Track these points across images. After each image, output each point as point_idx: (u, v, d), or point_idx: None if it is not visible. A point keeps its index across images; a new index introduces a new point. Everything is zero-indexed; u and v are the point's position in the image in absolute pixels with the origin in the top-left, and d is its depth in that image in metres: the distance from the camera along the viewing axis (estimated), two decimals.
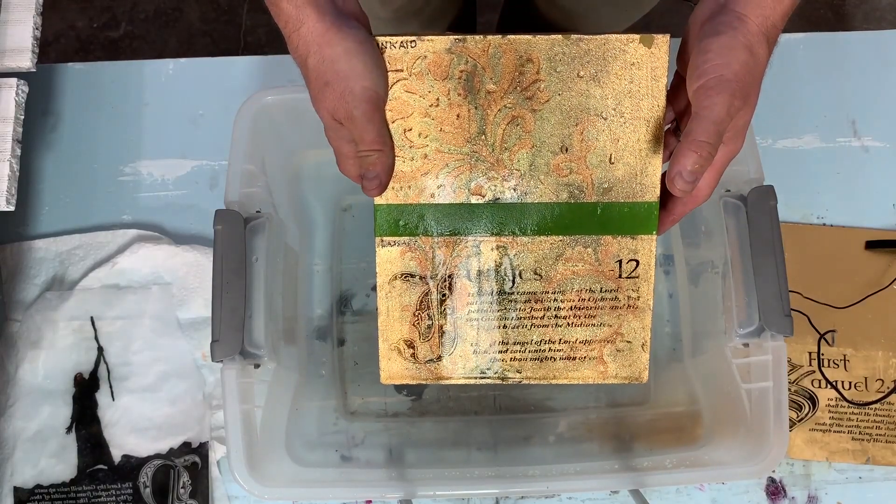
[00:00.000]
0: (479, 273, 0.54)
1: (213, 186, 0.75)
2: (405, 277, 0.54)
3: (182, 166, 0.76)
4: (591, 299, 0.54)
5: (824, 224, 0.74)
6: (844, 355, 0.71)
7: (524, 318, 0.54)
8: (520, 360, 0.55)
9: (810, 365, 0.70)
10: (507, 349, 0.54)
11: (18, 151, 0.68)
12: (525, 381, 0.55)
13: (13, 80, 0.68)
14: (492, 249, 0.53)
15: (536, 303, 0.54)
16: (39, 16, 0.71)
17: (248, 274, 0.57)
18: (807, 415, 0.70)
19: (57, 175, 0.76)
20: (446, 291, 0.54)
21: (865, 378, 0.70)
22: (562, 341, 0.54)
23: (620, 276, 0.54)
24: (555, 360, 0.55)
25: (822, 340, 0.70)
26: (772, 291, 0.56)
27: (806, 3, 1.55)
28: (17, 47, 0.69)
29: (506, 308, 0.54)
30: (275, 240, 0.61)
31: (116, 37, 1.52)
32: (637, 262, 0.54)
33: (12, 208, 0.67)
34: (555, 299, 0.54)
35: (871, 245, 0.72)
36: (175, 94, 0.78)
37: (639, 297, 0.54)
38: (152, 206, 0.75)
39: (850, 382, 0.70)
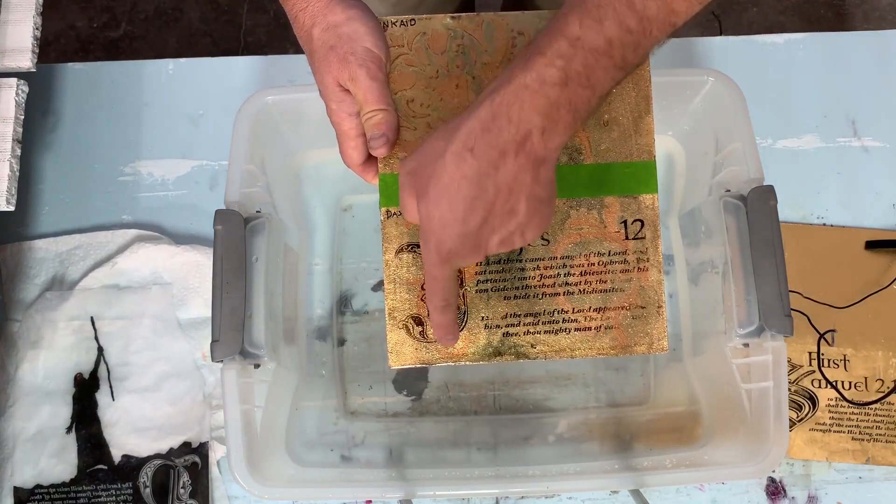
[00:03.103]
0: None
1: (213, 186, 0.75)
2: (412, 248, 0.53)
3: (182, 166, 0.76)
4: (600, 263, 0.54)
5: (824, 224, 0.74)
6: (844, 355, 0.71)
7: (535, 287, 0.54)
8: (533, 333, 0.54)
9: (810, 365, 0.70)
10: (520, 321, 0.53)
11: (18, 151, 0.68)
12: (542, 357, 0.54)
13: (13, 80, 0.68)
14: None
15: (546, 269, 0.54)
16: (39, 16, 0.71)
17: (248, 274, 0.57)
18: (807, 415, 0.70)
19: (57, 175, 0.76)
20: None
21: (865, 378, 0.70)
22: (575, 310, 0.53)
23: (627, 238, 0.54)
24: (569, 331, 0.54)
25: (822, 340, 0.69)
26: (772, 291, 0.56)
27: (806, 2, 1.55)
28: (17, 47, 0.69)
29: (515, 277, 0.54)
30: (275, 240, 0.61)
31: (116, 37, 1.52)
32: (642, 222, 0.54)
33: (12, 208, 0.67)
34: (563, 265, 0.54)
35: (871, 245, 0.72)
36: (175, 94, 0.78)
37: (647, 257, 0.54)
38: (152, 206, 0.75)
39: (850, 382, 0.70)
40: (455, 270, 0.48)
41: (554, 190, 0.45)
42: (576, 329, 0.54)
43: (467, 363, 0.54)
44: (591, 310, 0.54)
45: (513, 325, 0.54)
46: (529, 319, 0.54)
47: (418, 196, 0.45)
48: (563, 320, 0.54)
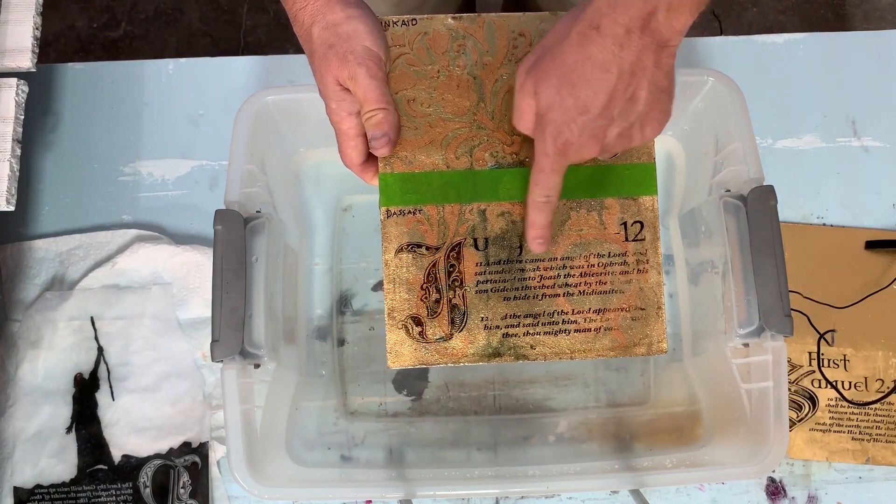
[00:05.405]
0: (486, 241, 0.54)
1: (213, 186, 0.75)
2: (412, 248, 0.53)
3: (182, 166, 0.76)
4: (600, 265, 0.54)
5: (824, 224, 0.74)
6: (844, 355, 0.71)
7: (534, 288, 0.54)
8: (533, 334, 0.54)
9: (810, 365, 0.70)
10: (519, 322, 0.54)
11: (18, 151, 0.68)
12: (541, 359, 0.54)
13: (13, 80, 0.68)
14: (497, 216, 0.54)
15: (545, 270, 0.54)
16: (39, 16, 0.71)
17: (248, 274, 0.57)
18: (807, 415, 0.70)
19: (57, 175, 0.76)
20: (454, 262, 0.54)
21: (865, 378, 0.70)
22: (575, 311, 0.54)
23: (627, 240, 0.54)
24: (569, 332, 0.54)
25: (822, 340, 0.70)
26: (772, 291, 0.56)
27: (806, 2, 1.55)
28: (17, 47, 0.69)
29: (514, 277, 0.54)
30: (275, 240, 0.61)
31: (116, 37, 1.52)
32: (641, 223, 0.54)
33: (12, 208, 0.67)
34: (563, 266, 0.54)
35: (871, 245, 0.72)
36: (175, 94, 0.78)
37: (647, 259, 0.54)
38: (152, 206, 0.75)
39: (850, 382, 0.70)
40: (566, 167, 0.47)
41: (674, 83, 0.45)
42: (575, 330, 0.54)
43: (466, 364, 0.54)
44: (591, 311, 0.54)
45: (512, 325, 0.54)
46: (529, 320, 0.54)
47: (538, 84, 0.44)
48: (563, 321, 0.54)
